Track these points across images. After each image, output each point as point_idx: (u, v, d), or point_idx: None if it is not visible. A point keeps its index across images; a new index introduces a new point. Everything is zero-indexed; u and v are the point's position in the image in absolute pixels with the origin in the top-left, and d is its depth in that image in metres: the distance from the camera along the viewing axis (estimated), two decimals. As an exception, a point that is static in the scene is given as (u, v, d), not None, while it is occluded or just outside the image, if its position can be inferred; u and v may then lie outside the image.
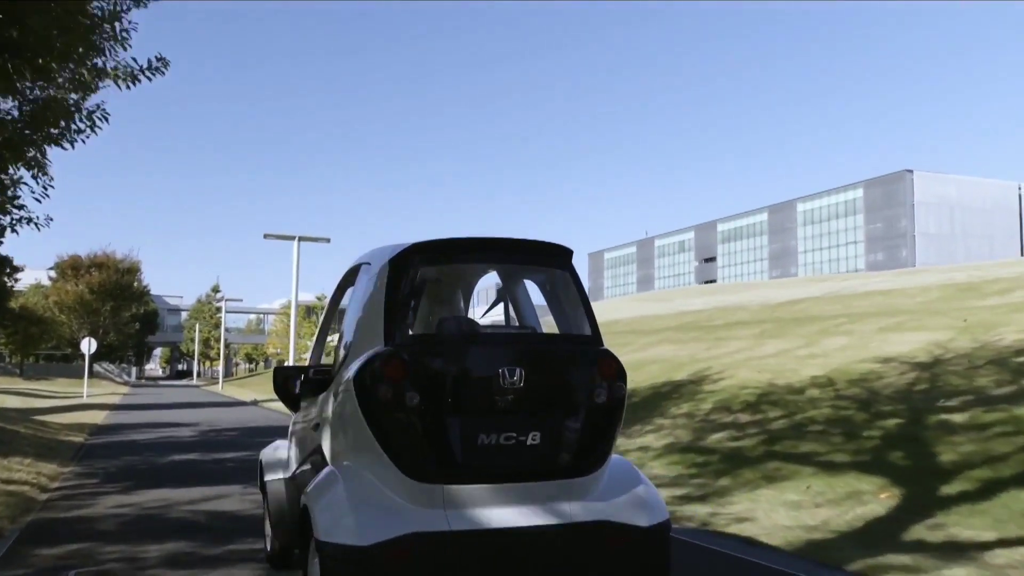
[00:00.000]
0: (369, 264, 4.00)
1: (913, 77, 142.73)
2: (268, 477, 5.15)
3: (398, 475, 3.28)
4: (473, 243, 3.74)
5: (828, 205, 79.74)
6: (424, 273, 3.94)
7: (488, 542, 3.26)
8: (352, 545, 3.12)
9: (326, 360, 5.01)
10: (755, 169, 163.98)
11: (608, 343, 3.83)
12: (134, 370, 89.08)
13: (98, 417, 21.43)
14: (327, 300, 5.13)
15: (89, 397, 35.73)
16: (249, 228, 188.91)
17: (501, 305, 4.61)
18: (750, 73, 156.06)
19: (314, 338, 5.31)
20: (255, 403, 31.10)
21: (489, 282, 5.24)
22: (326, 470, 3.69)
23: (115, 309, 60.53)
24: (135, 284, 61.33)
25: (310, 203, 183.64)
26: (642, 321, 29.79)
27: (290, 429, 5.13)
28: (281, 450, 5.32)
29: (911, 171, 73.31)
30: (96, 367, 68.27)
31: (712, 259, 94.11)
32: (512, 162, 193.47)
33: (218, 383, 62.98)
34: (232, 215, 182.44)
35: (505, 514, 3.33)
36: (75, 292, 57.06)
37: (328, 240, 26.41)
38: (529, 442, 3.40)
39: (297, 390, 4.48)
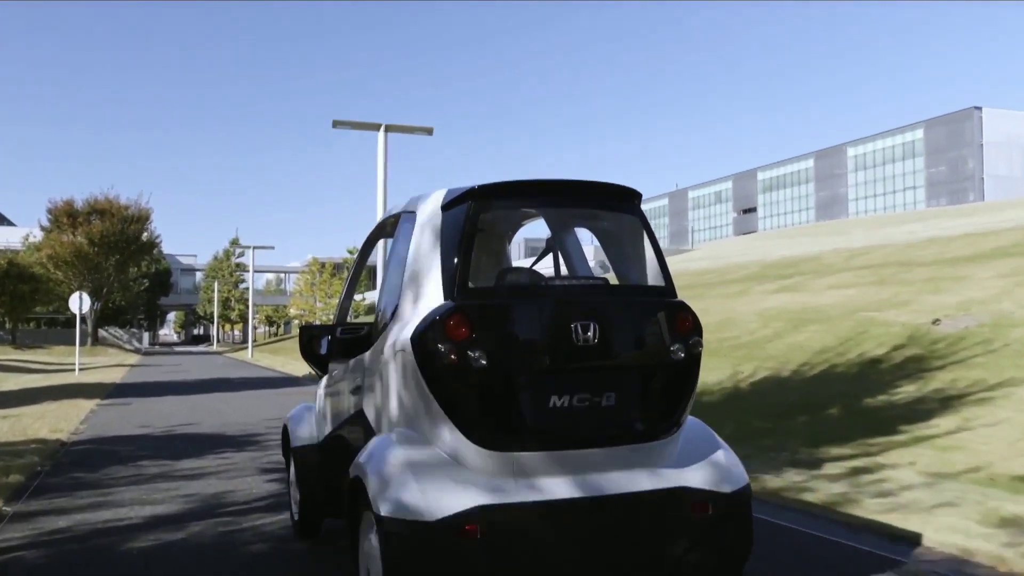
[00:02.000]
0: (413, 213, 3.70)
1: (971, 6, 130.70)
2: (296, 443, 4.89)
3: (464, 443, 3.07)
4: (535, 185, 3.55)
5: (883, 148, 75.60)
6: (482, 220, 3.45)
7: (563, 513, 3.06)
8: (418, 520, 2.91)
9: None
10: (794, 115, 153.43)
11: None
12: (146, 336, 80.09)
13: (75, 416, 12.45)
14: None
15: (83, 372, 26.83)
16: (267, 181, 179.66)
17: (549, 256, 4.19)
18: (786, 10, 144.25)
19: (341, 295, 5.01)
20: (317, 377, 21.85)
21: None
22: (378, 438, 3.42)
23: (121, 264, 51.46)
24: (144, 235, 52.08)
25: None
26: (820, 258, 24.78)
27: (319, 392, 4.89)
28: (309, 414, 5.05)
29: (979, 108, 67.75)
30: (102, 332, 59.49)
31: (751, 210, 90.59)
32: (528, 113, 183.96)
33: (243, 348, 54.32)
34: (249, 168, 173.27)
35: (580, 482, 3.13)
36: (72, 244, 48.00)
37: (430, 131, 17.82)
38: (604, 403, 3.21)
39: (324, 351, 4.32)
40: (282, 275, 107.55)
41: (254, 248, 41.68)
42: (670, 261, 5.82)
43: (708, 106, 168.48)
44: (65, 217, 48.76)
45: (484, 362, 3.02)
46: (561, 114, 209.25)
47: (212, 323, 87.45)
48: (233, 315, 74.65)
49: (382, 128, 17.07)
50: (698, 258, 42.35)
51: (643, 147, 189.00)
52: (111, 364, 33.86)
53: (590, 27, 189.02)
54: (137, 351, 56.72)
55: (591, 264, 4.38)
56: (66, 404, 14.63)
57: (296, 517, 4.99)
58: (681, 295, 3.58)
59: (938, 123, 70.16)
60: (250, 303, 45.62)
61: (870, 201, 75.82)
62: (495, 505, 2.96)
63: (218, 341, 71.54)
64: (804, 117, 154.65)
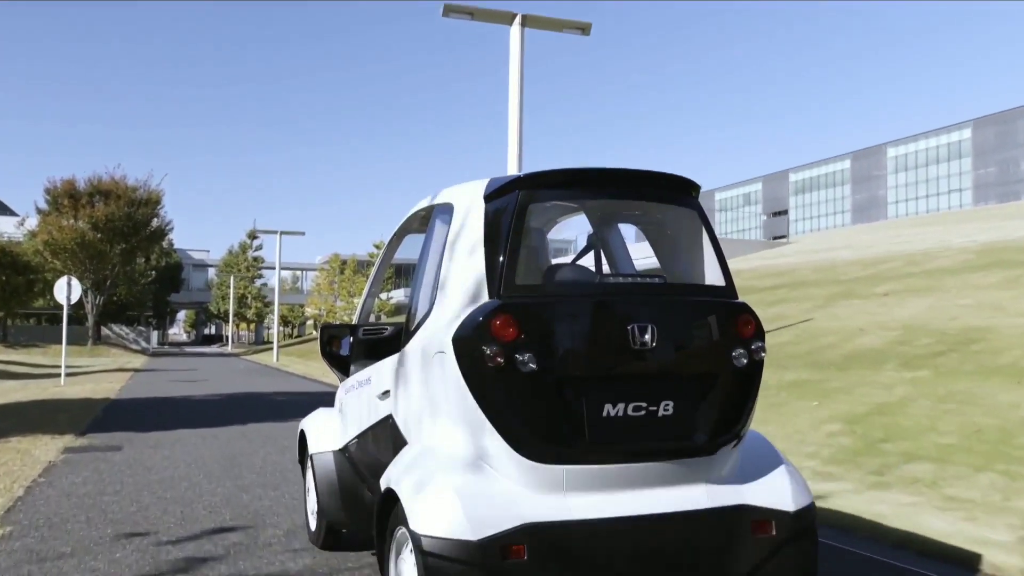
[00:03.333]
0: (450, 204, 3.43)
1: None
2: (314, 450, 4.55)
3: (511, 455, 2.81)
4: (587, 174, 3.25)
5: (926, 149, 71.10)
6: (530, 211, 3.17)
7: (616, 533, 2.82)
8: (460, 540, 2.66)
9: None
10: (831, 115, 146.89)
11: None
12: (155, 335, 74.03)
13: (28, 473, 6.54)
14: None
15: (73, 379, 20.90)
16: (281, 177, 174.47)
17: (591, 254, 3.83)
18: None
19: (363, 293, 4.75)
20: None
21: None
22: (413, 448, 3.21)
23: (127, 253, 45.58)
24: (154, 222, 46.17)
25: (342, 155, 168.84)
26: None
27: (339, 395, 4.60)
28: (328, 419, 4.69)
29: (1033, 107, 63.05)
30: (106, 330, 53.62)
31: (782, 212, 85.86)
32: (548, 112, 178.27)
33: (263, 350, 48.41)
34: (263, 162, 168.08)
35: (634, 499, 2.90)
36: (72, 229, 42.18)
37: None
38: (661, 413, 2.95)
39: (345, 351, 4.29)
40: (298, 273, 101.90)
41: (281, 234, 35.68)
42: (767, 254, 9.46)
43: (731, 105, 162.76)
44: (65, 199, 42.96)
45: (533, 366, 2.79)
46: (577, 114, 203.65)
47: (226, 322, 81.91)
48: (249, 313, 68.61)
49: (517, 20, 12.04)
50: (816, 249, 36.15)
51: (662, 148, 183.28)
52: (111, 368, 27.92)
53: (615, 23, 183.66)
54: (144, 351, 50.81)
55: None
56: (25, 444, 8.61)
57: (313, 528, 4.63)
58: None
59: (987, 122, 65.63)
60: (276, 297, 39.39)
61: (911, 204, 72.04)
62: (544, 524, 2.74)
63: (233, 341, 65.21)
64: (835, 118, 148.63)
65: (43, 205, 44.50)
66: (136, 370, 27.91)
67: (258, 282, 69.93)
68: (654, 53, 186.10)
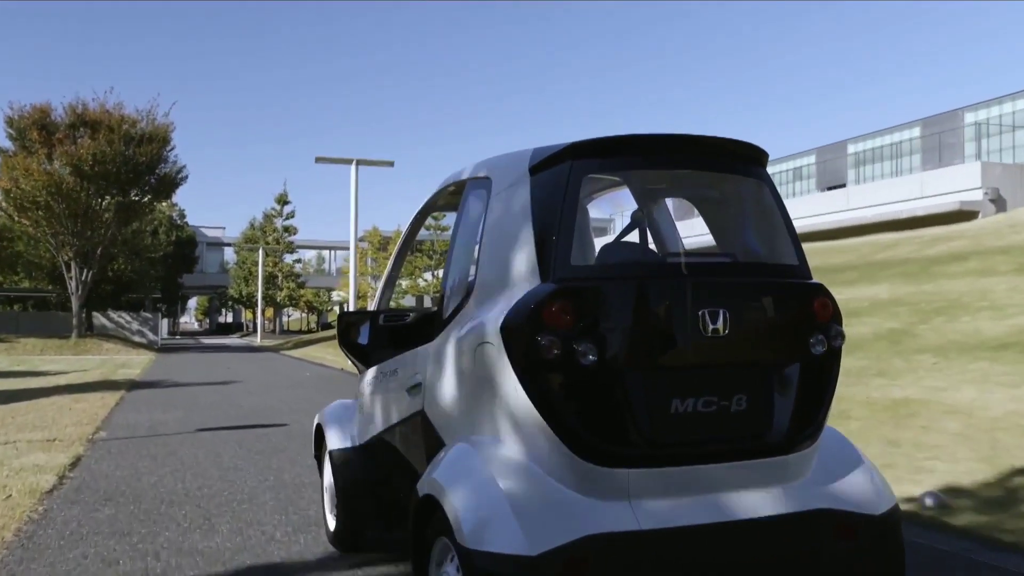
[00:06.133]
0: (486, 179, 3.12)
1: None
2: (333, 445, 4.21)
3: (568, 457, 2.48)
4: (645, 141, 2.82)
5: (1013, 112, 57.85)
6: (584, 184, 2.89)
7: (689, 543, 2.49)
8: (517, 555, 2.33)
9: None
10: (894, 82, 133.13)
11: None
12: (164, 323, 61.26)
13: None
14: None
15: (16, 414, 8.37)
16: (301, 151, 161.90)
17: (635, 232, 3.42)
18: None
19: (383, 277, 4.37)
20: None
21: None
22: (456, 448, 2.78)
23: (125, 211, 33.07)
24: (161, 165, 33.46)
25: (367, 124, 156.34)
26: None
27: (361, 387, 4.20)
28: (347, 412, 4.40)
29: None
30: (101, 319, 41.06)
31: (839, 187, 73.00)
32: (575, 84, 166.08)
33: (307, 342, 35.95)
34: (278, 136, 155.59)
35: (707, 504, 2.57)
36: (45, 174, 29.70)
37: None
38: (733, 408, 2.65)
39: (365, 340, 3.92)
40: (322, 254, 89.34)
41: (357, 163, 22.79)
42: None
43: (776, 76, 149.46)
44: (35, 132, 30.30)
45: (593, 357, 2.48)
46: (611, 78, 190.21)
47: (246, 307, 69.50)
48: (280, 296, 55.86)
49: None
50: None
51: (697, 117, 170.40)
52: (90, 382, 15.42)
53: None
54: (151, 346, 38.32)
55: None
56: None
57: (332, 529, 4.30)
58: None
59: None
60: (353, 256, 25.15)
61: (994, 175, 60.94)
62: (608, 535, 2.41)
63: (261, 330, 52.24)
64: (900, 84, 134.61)
65: (4, 142, 31.98)
66: (132, 384, 15.42)
67: (289, 257, 57.29)
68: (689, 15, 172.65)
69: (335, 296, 75.38)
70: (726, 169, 3.01)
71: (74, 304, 32.82)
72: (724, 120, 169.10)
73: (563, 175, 2.69)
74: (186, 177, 34.65)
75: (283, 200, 55.82)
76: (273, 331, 63.42)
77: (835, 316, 2.82)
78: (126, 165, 31.22)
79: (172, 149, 33.85)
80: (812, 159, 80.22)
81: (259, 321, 49.44)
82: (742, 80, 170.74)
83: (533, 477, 2.51)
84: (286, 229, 56.12)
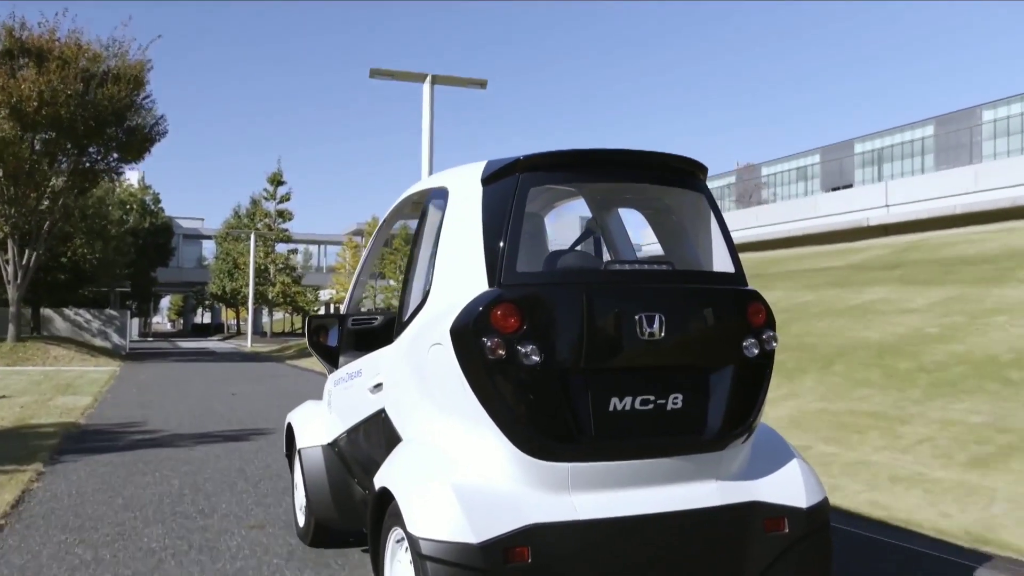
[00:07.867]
0: (444, 188, 3.28)
1: None
2: (302, 444, 4.35)
3: (512, 451, 2.66)
4: (591, 156, 3.05)
5: None
6: (531, 195, 3.03)
7: (624, 532, 2.68)
8: (462, 543, 2.52)
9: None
10: (904, 79, 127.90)
11: None
12: (134, 324, 52.48)
13: None
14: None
15: None
16: (289, 138, 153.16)
17: (589, 241, 3.74)
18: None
19: (352, 282, 4.51)
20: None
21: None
22: (409, 444, 3.04)
23: (82, 175, 24.92)
24: (131, 111, 25.16)
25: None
26: None
27: (328, 387, 4.42)
28: (315, 412, 4.56)
29: None
30: (53, 315, 32.54)
31: (846, 187, 69.62)
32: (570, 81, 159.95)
33: (295, 349, 27.95)
34: (275, 118, 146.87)
35: (642, 497, 2.77)
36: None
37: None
38: (670, 406, 2.82)
39: (333, 342, 4.20)
40: (311, 248, 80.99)
41: (432, 80, 15.14)
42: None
43: (780, 73, 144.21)
44: (-43, 59, 22.07)
45: (536, 358, 2.64)
46: (617, 78, 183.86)
47: (229, 305, 61.06)
48: (273, 292, 47.44)
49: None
50: None
51: (704, 118, 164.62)
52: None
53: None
54: (116, 352, 30.04)
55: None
56: None
57: (301, 524, 4.51)
58: None
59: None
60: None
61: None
62: (548, 524, 2.60)
63: (251, 332, 43.59)
64: (910, 82, 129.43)
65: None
66: (61, 446, 7.47)
67: (282, 247, 49.06)
68: (693, 11, 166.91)
69: (323, 295, 67.44)
70: (667, 182, 3.21)
71: (10, 294, 24.39)
72: (724, 121, 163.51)
73: (511, 187, 2.86)
74: (165, 132, 26.33)
75: (276, 180, 47.42)
76: (264, 334, 55.16)
77: (768, 321, 2.97)
78: (84, 110, 23.06)
79: (147, 97, 25.80)
80: (816, 158, 75.35)
81: (250, 322, 40.94)
82: (742, 80, 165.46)
83: (479, 470, 2.67)
84: (280, 214, 47.79)
